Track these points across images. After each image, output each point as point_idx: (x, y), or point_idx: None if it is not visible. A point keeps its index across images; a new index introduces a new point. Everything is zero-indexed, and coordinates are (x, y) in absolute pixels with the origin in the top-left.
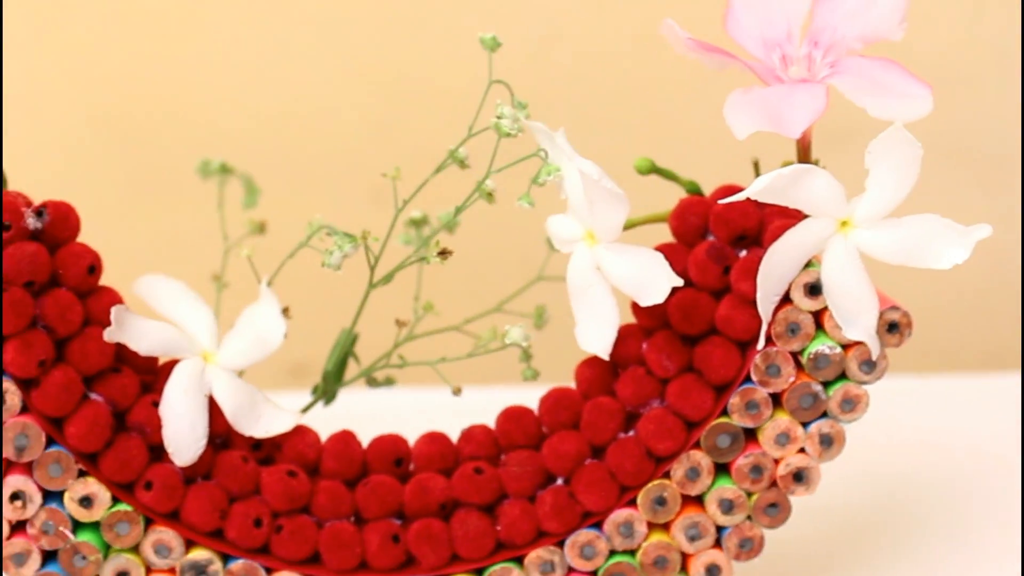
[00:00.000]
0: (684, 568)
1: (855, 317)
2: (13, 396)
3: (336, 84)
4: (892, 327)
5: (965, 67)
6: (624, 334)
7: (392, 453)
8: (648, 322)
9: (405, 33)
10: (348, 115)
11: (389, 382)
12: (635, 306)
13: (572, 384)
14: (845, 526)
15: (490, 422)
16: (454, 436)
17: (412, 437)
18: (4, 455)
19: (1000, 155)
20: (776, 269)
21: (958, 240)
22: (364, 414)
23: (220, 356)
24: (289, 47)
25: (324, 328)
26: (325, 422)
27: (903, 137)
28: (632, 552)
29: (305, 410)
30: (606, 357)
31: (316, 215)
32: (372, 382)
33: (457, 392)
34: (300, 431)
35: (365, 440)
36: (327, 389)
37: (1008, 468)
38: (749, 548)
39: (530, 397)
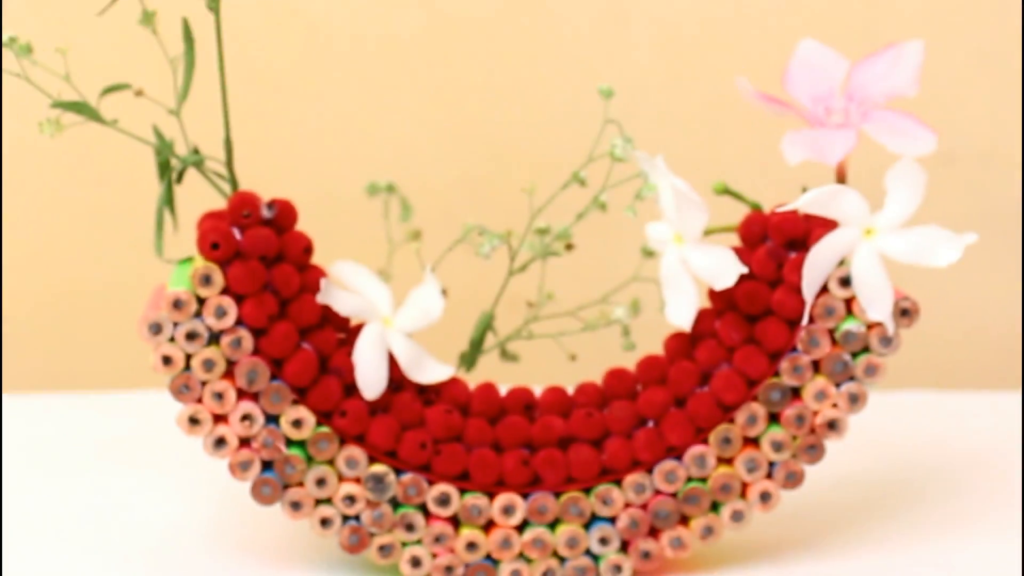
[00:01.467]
0: (743, 494)
1: (875, 303)
2: (247, 341)
3: (472, 122)
4: (904, 312)
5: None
6: (701, 314)
7: (523, 400)
8: (720, 305)
9: (531, 83)
10: (480, 147)
11: (515, 357)
12: (711, 292)
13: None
14: (863, 503)
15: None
16: (569, 390)
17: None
18: (237, 385)
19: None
20: (817, 265)
21: (952, 244)
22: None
23: (396, 322)
24: (437, 90)
25: (468, 310)
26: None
27: (913, 167)
28: (704, 479)
29: (460, 367)
30: (688, 330)
31: (467, 220)
32: (504, 355)
33: (573, 358)
34: (455, 380)
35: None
36: (471, 356)
37: (1008, 470)
38: (793, 480)
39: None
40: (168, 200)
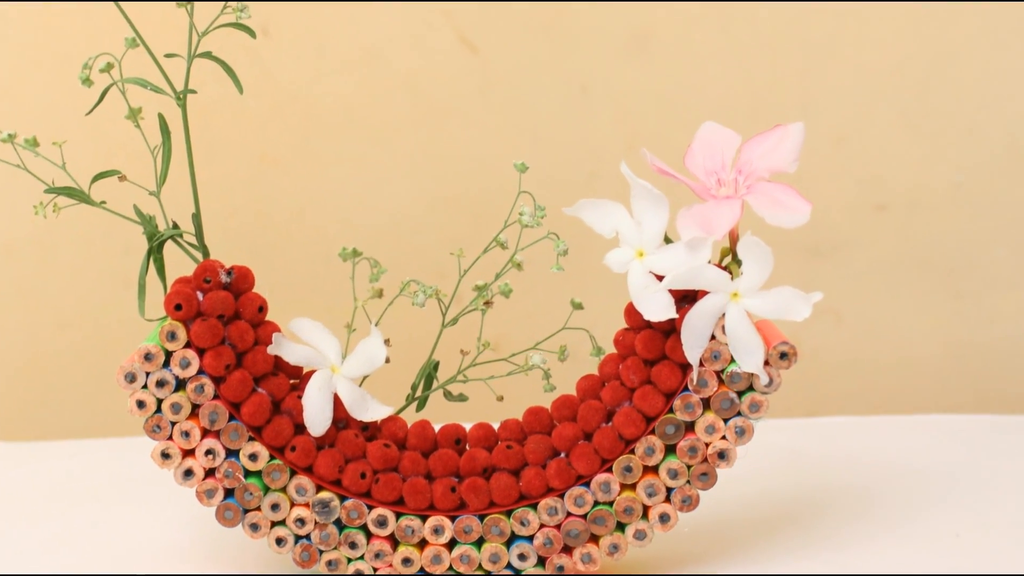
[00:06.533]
0: (645, 515)
1: (746, 356)
2: (208, 387)
3: (419, 198)
4: (783, 355)
5: None
6: (607, 359)
7: (453, 435)
8: (623, 351)
9: (470, 161)
10: (425, 217)
11: (462, 398)
12: (616, 339)
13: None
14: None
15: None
16: (495, 425)
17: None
18: (201, 425)
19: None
20: (694, 326)
21: (805, 301)
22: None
23: (343, 369)
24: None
25: (415, 356)
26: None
27: (756, 242)
28: (609, 503)
29: (399, 411)
30: (675, 315)
31: (406, 278)
32: (448, 395)
33: (500, 399)
34: (393, 418)
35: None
36: (417, 398)
37: None
38: (689, 503)
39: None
40: (151, 267)
